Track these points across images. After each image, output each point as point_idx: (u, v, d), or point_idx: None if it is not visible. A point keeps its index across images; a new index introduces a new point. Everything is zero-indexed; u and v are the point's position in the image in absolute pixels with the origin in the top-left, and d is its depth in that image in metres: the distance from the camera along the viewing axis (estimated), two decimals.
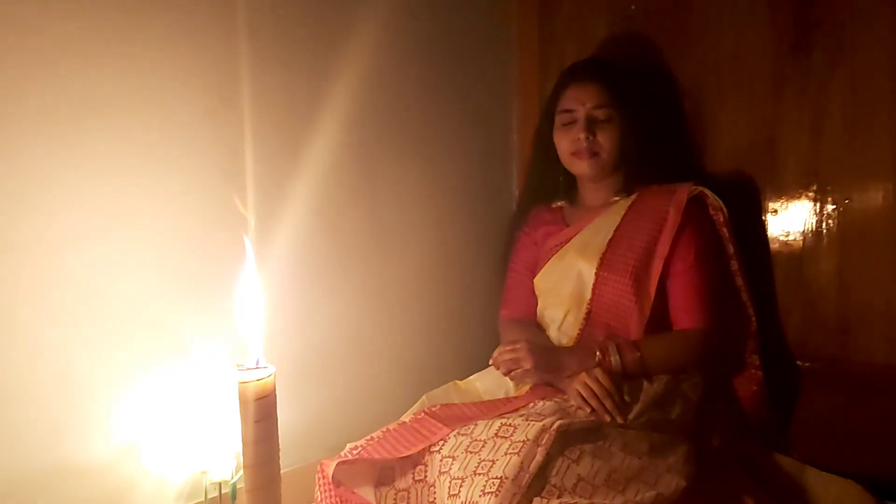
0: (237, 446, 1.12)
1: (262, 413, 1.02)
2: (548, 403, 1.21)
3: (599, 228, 1.41)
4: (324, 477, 1.15)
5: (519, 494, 1.00)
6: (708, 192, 1.39)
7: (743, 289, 1.40)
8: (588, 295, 1.37)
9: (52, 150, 1.09)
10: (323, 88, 1.44)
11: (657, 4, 1.62)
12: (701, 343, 1.32)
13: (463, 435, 1.12)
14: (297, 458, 1.35)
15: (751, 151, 1.49)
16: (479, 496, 1.00)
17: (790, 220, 1.45)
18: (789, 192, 1.45)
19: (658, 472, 1.09)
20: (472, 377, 1.44)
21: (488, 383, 1.40)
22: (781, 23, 1.43)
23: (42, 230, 1.09)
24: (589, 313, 1.37)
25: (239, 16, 1.30)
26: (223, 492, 1.26)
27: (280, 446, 1.07)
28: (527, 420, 1.10)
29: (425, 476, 1.13)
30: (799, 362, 1.45)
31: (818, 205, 1.41)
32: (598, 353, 1.26)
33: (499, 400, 1.30)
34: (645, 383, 1.25)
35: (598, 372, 1.22)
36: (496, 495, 0.98)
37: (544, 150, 1.51)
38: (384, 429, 1.21)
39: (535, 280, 1.49)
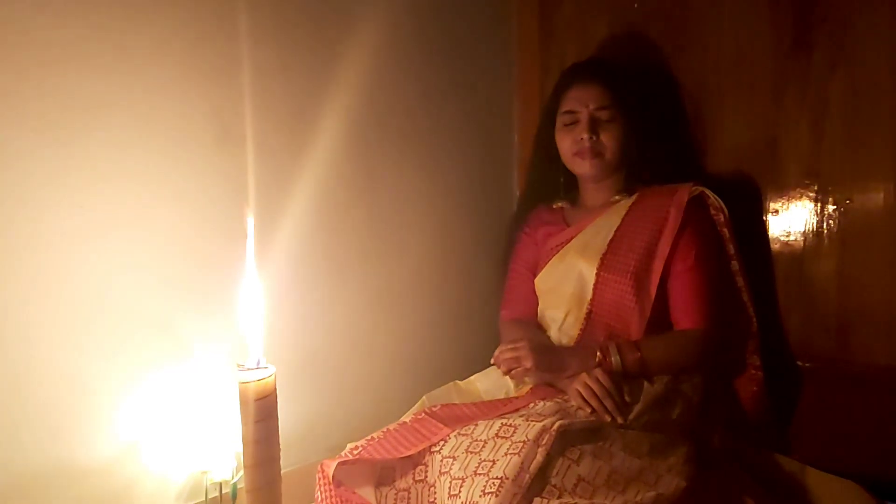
0: (238, 446, 1.12)
1: (262, 413, 1.02)
2: (548, 404, 1.21)
3: (600, 229, 1.41)
4: (324, 477, 1.15)
5: (519, 495, 1.00)
6: (709, 192, 1.39)
7: (743, 289, 1.40)
8: (589, 295, 1.37)
9: (52, 152, 1.09)
10: (323, 89, 1.44)
11: (658, 4, 1.62)
12: (701, 343, 1.32)
13: (463, 435, 1.12)
14: (298, 458, 1.35)
15: (751, 151, 1.49)
16: (480, 496, 0.99)
17: (791, 220, 1.45)
18: (790, 192, 1.45)
19: (658, 473, 1.09)
20: (472, 377, 1.44)
21: (488, 383, 1.40)
22: (782, 23, 1.43)
23: (43, 231, 1.09)
24: (589, 314, 1.37)
25: (240, 17, 1.30)
26: (224, 492, 1.26)
27: (280, 446, 1.07)
28: (527, 420, 1.10)
29: (426, 476, 1.13)
30: (799, 362, 1.45)
31: (819, 205, 1.41)
32: (598, 354, 1.26)
33: (499, 400, 1.30)
34: (645, 384, 1.25)
35: (598, 372, 1.22)
36: (496, 495, 0.98)
37: (545, 150, 1.51)
38: (384, 429, 1.21)
39: (536, 280, 1.49)
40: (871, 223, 1.35)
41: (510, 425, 1.09)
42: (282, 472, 1.08)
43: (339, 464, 1.12)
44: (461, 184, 1.75)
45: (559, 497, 1.01)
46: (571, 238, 1.45)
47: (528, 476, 1.01)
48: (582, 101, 1.40)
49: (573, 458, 1.05)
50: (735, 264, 1.40)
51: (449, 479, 1.06)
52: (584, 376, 1.21)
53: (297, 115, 1.41)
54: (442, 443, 1.12)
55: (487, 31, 1.82)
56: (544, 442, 1.04)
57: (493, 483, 1.00)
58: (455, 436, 1.12)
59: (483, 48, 1.80)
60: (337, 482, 1.14)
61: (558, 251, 1.46)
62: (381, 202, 1.57)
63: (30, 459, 1.09)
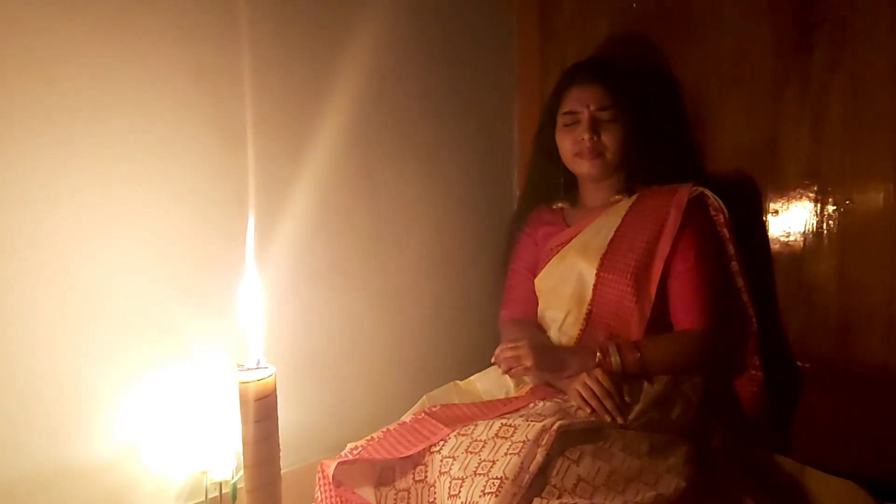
0: (238, 446, 1.12)
1: (262, 413, 1.02)
2: (548, 404, 1.21)
3: (600, 229, 1.41)
4: (324, 477, 1.15)
5: (519, 495, 1.00)
6: (708, 192, 1.39)
7: (743, 289, 1.40)
8: (588, 295, 1.37)
9: (52, 152, 1.09)
10: (323, 89, 1.44)
11: (658, 4, 1.62)
12: (701, 343, 1.32)
13: (463, 435, 1.12)
14: (298, 458, 1.35)
15: (751, 152, 1.49)
16: (480, 496, 1.00)
17: (791, 220, 1.45)
18: (790, 192, 1.45)
19: (658, 473, 1.09)
20: (472, 377, 1.45)
21: (488, 383, 1.41)
22: (782, 23, 1.42)
23: (43, 231, 1.09)
24: (589, 314, 1.37)
25: (240, 17, 1.30)
26: (223, 492, 1.26)
27: (280, 446, 1.07)
28: (527, 420, 1.10)
29: (425, 476, 1.13)
30: (799, 363, 1.45)
31: (819, 205, 1.41)
32: (598, 354, 1.26)
33: (499, 400, 1.30)
34: (645, 384, 1.25)
35: (598, 372, 1.22)
36: (496, 495, 0.98)
37: (545, 150, 1.51)
38: (384, 429, 1.21)
39: (536, 280, 1.49)
40: (871, 223, 1.35)
41: (510, 425, 1.09)
42: (282, 472, 1.08)
43: (338, 464, 1.13)
44: (461, 184, 1.75)
45: (559, 497, 1.01)
46: (571, 238, 1.45)
47: (527, 476, 1.01)
48: (583, 102, 1.40)
49: (573, 458, 1.05)
50: (735, 264, 1.40)
51: (449, 479, 1.06)
52: (583, 376, 1.21)
53: (297, 115, 1.41)
54: (442, 443, 1.12)
55: (488, 31, 1.82)
56: (544, 442, 1.04)
57: (493, 483, 1.00)
58: (455, 436, 1.12)
59: (483, 48, 1.80)
60: (337, 482, 1.14)
61: (558, 251, 1.46)
62: (381, 202, 1.57)
63: (30, 459, 1.09)
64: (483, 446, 1.07)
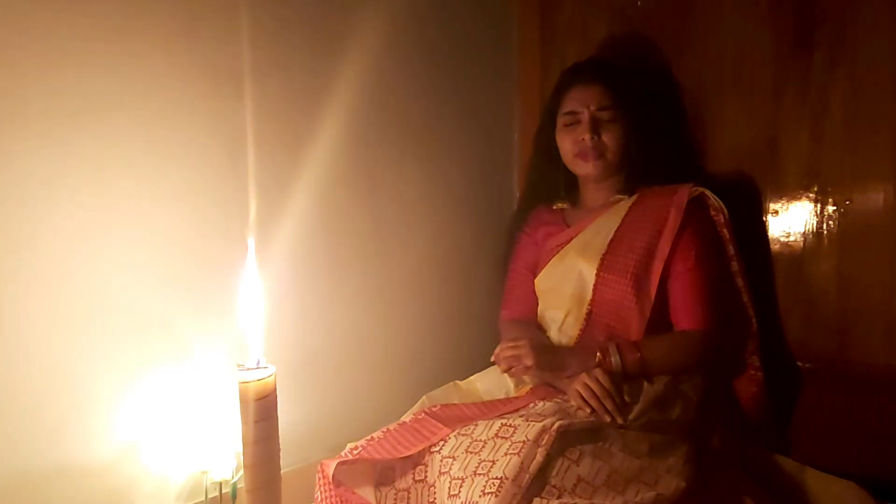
0: (237, 446, 1.12)
1: (262, 413, 1.02)
2: (548, 404, 1.21)
3: (600, 229, 1.41)
4: (324, 477, 1.15)
5: (519, 495, 1.00)
6: (709, 192, 1.39)
7: (743, 290, 1.40)
8: (589, 295, 1.37)
9: (52, 151, 1.09)
10: (324, 89, 1.44)
11: (658, 4, 1.61)
12: (701, 344, 1.32)
13: (463, 435, 1.12)
14: (298, 458, 1.35)
15: (751, 152, 1.49)
16: (480, 496, 1.00)
17: (791, 220, 1.45)
18: (790, 192, 1.45)
19: (658, 473, 1.09)
20: (472, 377, 1.44)
21: (488, 383, 1.41)
22: (782, 23, 1.43)
23: (43, 230, 1.09)
24: (589, 314, 1.37)
25: (240, 17, 1.30)
26: (223, 492, 1.26)
27: (280, 446, 1.07)
28: (527, 420, 1.10)
29: (425, 476, 1.13)
30: (799, 363, 1.45)
31: (819, 206, 1.41)
32: (598, 354, 1.26)
33: (499, 400, 1.30)
34: (645, 384, 1.25)
35: (598, 372, 1.22)
36: (496, 496, 0.98)
37: (545, 150, 1.50)
38: (384, 429, 1.21)
39: (536, 280, 1.49)
40: (870, 223, 1.35)
41: (510, 425, 1.09)
42: (281, 471, 1.08)
43: (338, 464, 1.12)
44: (461, 184, 1.75)
45: (559, 497, 1.01)
46: (571, 238, 1.45)
47: (527, 476, 1.01)
48: (583, 102, 1.40)
49: (573, 458, 1.05)
50: (735, 265, 1.40)
51: (449, 479, 1.06)
52: (583, 376, 1.21)
53: (298, 115, 1.41)
54: (442, 443, 1.12)
55: (488, 31, 1.82)
56: (544, 442, 1.04)
57: (493, 483, 1.00)
58: (455, 436, 1.12)
59: (483, 48, 1.80)
60: (337, 482, 1.14)
61: (558, 251, 1.46)
62: (381, 202, 1.57)
63: (29, 459, 1.09)
64: (483, 446, 1.07)
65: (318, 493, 1.16)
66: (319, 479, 1.16)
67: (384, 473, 1.16)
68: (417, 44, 1.63)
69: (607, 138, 1.39)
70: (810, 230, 1.42)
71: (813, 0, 1.39)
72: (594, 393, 1.18)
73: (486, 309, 1.69)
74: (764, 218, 1.48)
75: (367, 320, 1.56)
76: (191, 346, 1.26)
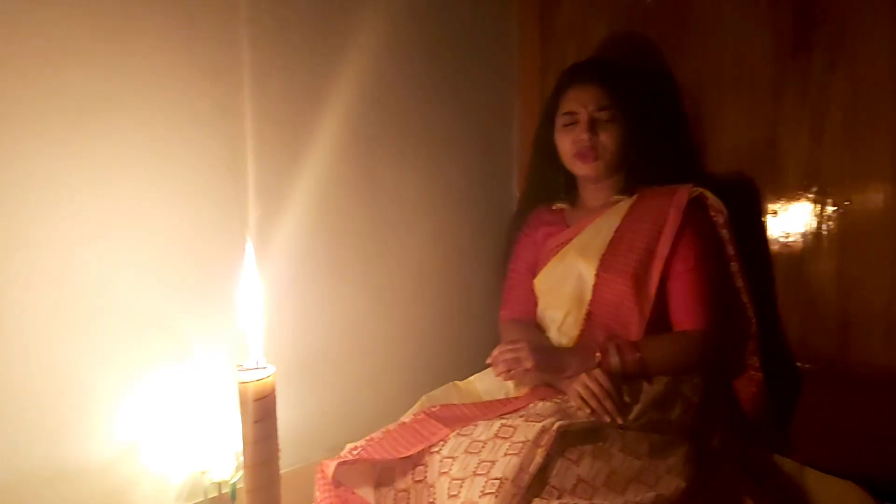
0: (237, 446, 1.12)
1: (261, 413, 1.02)
2: (548, 404, 1.21)
3: (600, 229, 1.41)
4: (324, 477, 1.15)
5: (519, 495, 1.00)
6: (708, 193, 1.39)
7: (743, 290, 1.40)
8: (588, 296, 1.37)
9: (52, 151, 1.09)
10: (323, 89, 1.44)
11: (658, 4, 1.61)
12: (701, 344, 1.32)
13: (463, 436, 1.12)
14: (297, 459, 1.35)
15: (751, 152, 1.49)
16: (479, 497, 1.00)
17: (790, 221, 1.45)
18: (789, 193, 1.45)
19: (658, 474, 1.09)
20: (472, 377, 1.45)
21: (488, 384, 1.40)
22: (782, 23, 1.42)
23: (43, 231, 1.09)
24: (589, 314, 1.37)
25: (240, 17, 1.30)
26: (223, 492, 1.26)
27: (280, 446, 1.07)
28: (527, 421, 1.10)
29: (425, 476, 1.13)
30: (799, 363, 1.45)
31: (818, 206, 1.41)
32: (598, 354, 1.26)
33: (499, 401, 1.30)
34: (645, 384, 1.25)
35: (597, 373, 1.21)
36: (496, 496, 0.98)
37: (545, 151, 1.50)
38: (384, 429, 1.21)
39: (536, 281, 1.49)
40: (870, 224, 1.35)
41: (510, 426, 1.09)
42: (281, 472, 1.07)
43: (338, 464, 1.13)
44: (461, 184, 1.75)
45: (558, 498, 1.01)
46: (571, 238, 1.45)
47: (527, 476, 1.01)
48: (581, 102, 1.40)
49: (573, 458, 1.05)
50: (735, 265, 1.40)
51: (448, 480, 1.06)
52: (583, 377, 1.21)
53: (298, 114, 1.41)
54: (441, 443, 1.12)
55: (488, 31, 1.82)
56: (544, 442, 1.04)
57: (493, 483, 1.00)
58: (455, 436, 1.12)
59: (483, 48, 1.80)
60: (336, 482, 1.14)
61: (558, 251, 1.46)
62: (381, 202, 1.57)
63: (29, 459, 1.09)
64: (483, 447, 1.07)
65: (318, 493, 1.16)
66: (319, 479, 1.16)
67: (384, 474, 1.16)
68: (417, 44, 1.63)
69: (605, 138, 1.39)
70: (810, 230, 1.42)
71: (813, 0, 1.39)
72: (594, 393, 1.18)
73: (485, 309, 1.69)
74: (763, 218, 1.48)
75: (367, 320, 1.56)
76: (191, 346, 1.26)
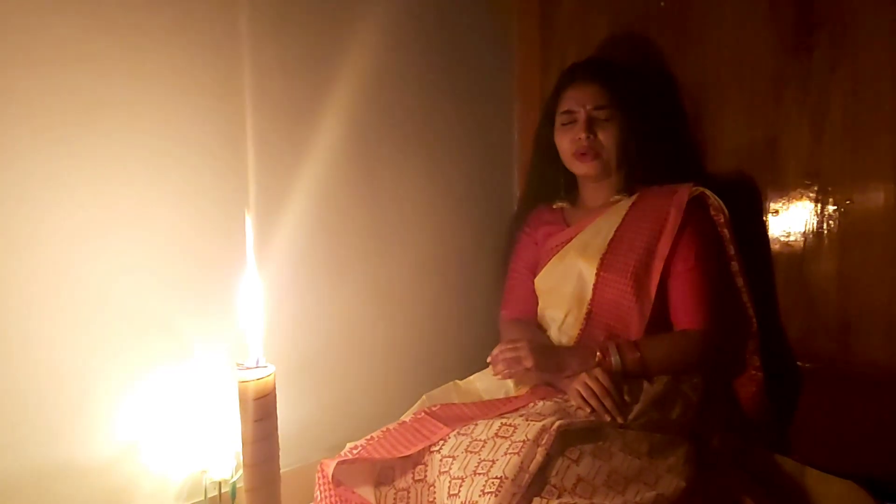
0: (237, 445, 1.12)
1: (261, 412, 1.02)
2: (548, 403, 1.21)
3: (600, 229, 1.41)
4: (324, 476, 1.15)
5: (519, 494, 1.00)
6: (709, 192, 1.39)
7: (743, 289, 1.40)
8: (588, 295, 1.37)
9: (52, 151, 1.09)
10: (323, 89, 1.44)
11: (658, 5, 1.61)
12: (701, 344, 1.32)
13: (463, 435, 1.12)
14: (297, 458, 1.35)
15: (751, 152, 1.49)
16: (479, 496, 0.99)
17: (791, 220, 1.45)
18: (790, 192, 1.45)
19: (658, 473, 1.09)
20: (472, 377, 1.44)
21: (488, 383, 1.40)
22: (782, 23, 1.42)
23: (43, 231, 1.09)
24: (589, 313, 1.37)
25: (240, 17, 1.30)
26: (223, 491, 1.26)
27: (280, 446, 1.07)
28: (527, 420, 1.10)
29: (425, 476, 1.13)
30: (799, 363, 1.45)
31: (819, 205, 1.41)
32: (598, 353, 1.26)
33: (499, 400, 1.30)
34: (645, 383, 1.25)
35: (598, 372, 1.21)
36: (496, 495, 0.98)
37: (545, 150, 1.51)
38: (384, 428, 1.21)
39: (536, 280, 1.49)
40: (871, 223, 1.34)
41: (510, 425, 1.09)
42: (281, 471, 1.07)
43: (338, 463, 1.12)
44: (461, 184, 1.75)
45: (559, 497, 1.01)
46: (571, 238, 1.45)
47: (527, 476, 1.01)
48: (579, 101, 1.40)
49: (573, 457, 1.05)
50: (735, 265, 1.40)
51: (448, 479, 1.06)
52: (583, 376, 1.21)
53: (297, 114, 1.41)
54: (441, 442, 1.12)
55: (488, 31, 1.82)
56: (544, 442, 1.04)
57: (493, 483, 1.00)
58: (455, 435, 1.12)
59: (483, 48, 1.80)
60: (336, 481, 1.14)
61: (558, 251, 1.46)
62: (381, 202, 1.57)
63: (29, 459, 1.09)
64: (483, 446, 1.07)
65: (318, 492, 1.16)
66: (319, 478, 1.16)
67: (384, 473, 1.16)
68: (418, 43, 1.63)
69: (604, 137, 1.39)
70: (810, 230, 1.42)
71: (813, 0, 1.38)
72: (594, 392, 1.18)
73: (486, 309, 1.69)
74: (764, 218, 1.48)
75: (367, 320, 1.56)
76: (190, 345, 1.26)
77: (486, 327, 1.66)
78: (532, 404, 1.22)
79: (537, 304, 1.49)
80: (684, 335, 1.33)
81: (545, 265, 1.47)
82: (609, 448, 1.09)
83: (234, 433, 1.17)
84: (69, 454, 1.13)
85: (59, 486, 1.12)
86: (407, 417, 1.25)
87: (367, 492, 1.15)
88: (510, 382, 1.36)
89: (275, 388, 1.05)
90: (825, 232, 1.41)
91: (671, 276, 1.35)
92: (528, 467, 1.01)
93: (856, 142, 1.35)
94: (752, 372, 1.41)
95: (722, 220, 1.39)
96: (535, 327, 1.48)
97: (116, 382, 1.18)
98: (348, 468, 1.14)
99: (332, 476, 1.13)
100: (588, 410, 1.18)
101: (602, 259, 1.37)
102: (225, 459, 1.26)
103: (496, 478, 1.00)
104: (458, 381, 1.43)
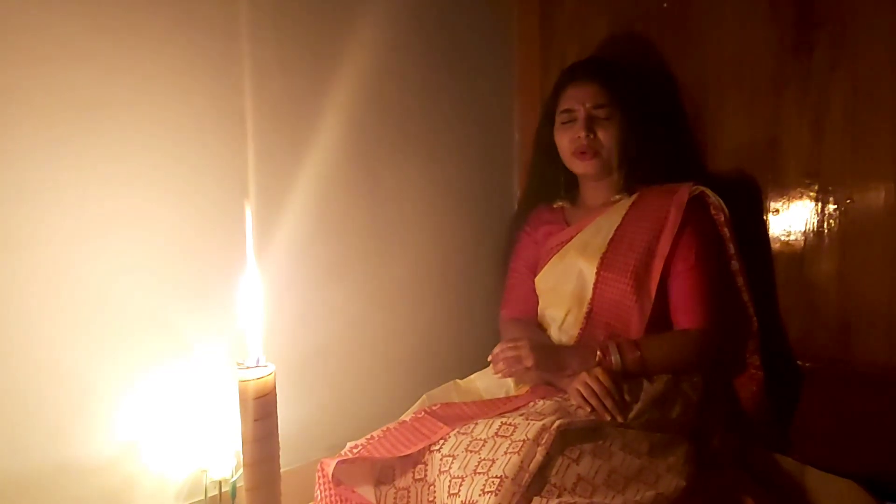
0: (237, 445, 1.12)
1: (261, 411, 1.02)
2: (548, 402, 1.21)
3: (600, 228, 1.41)
4: (324, 476, 1.15)
5: (519, 494, 1.00)
6: (709, 191, 1.39)
7: (744, 289, 1.40)
8: (589, 294, 1.37)
9: (52, 151, 1.09)
10: (324, 89, 1.44)
11: (658, 5, 1.61)
12: (701, 343, 1.32)
13: (463, 434, 1.12)
14: (297, 457, 1.35)
15: (752, 151, 1.49)
16: (479, 495, 1.00)
17: (791, 220, 1.45)
18: (790, 191, 1.45)
19: (658, 472, 1.09)
20: (472, 376, 1.45)
21: (488, 382, 1.40)
22: (783, 22, 1.42)
23: (43, 230, 1.09)
24: (590, 313, 1.37)
25: (240, 17, 1.30)
26: (223, 490, 1.26)
27: (280, 445, 1.07)
28: (527, 419, 1.10)
29: (425, 475, 1.13)
30: (799, 362, 1.45)
31: (819, 205, 1.41)
32: (598, 353, 1.26)
33: (499, 399, 1.30)
34: (645, 383, 1.25)
35: (598, 371, 1.21)
36: (496, 494, 0.98)
37: (545, 149, 1.51)
38: (384, 428, 1.21)
39: (536, 280, 1.49)
40: (871, 223, 1.34)
41: (510, 424, 1.09)
42: (281, 470, 1.07)
43: (338, 462, 1.12)
44: (461, 183, 1.75)
45: (559, 496, 1.01)
46: (572, 237, 1.45)
47: (527, 475, 1.01)
48: (579, 100, 1.40)
49: (573, 457, 1.05)
50: (735, 264, 1.40)
51: (448, 478, 1.06)
52: (583, 375, 1.21)
53: (298, 114, 1.41)
54: (442, 441, 1.12)
55: (488, 30, 1.82)
56: (544, 441, 1.04)
57: (493, 482, 1.00)
58: (455, 434, 1.12)
59: (483, 48, 1.80)
60: (336, 481, 1.14)
61: (558, 250, 1.46)
62: (381, 201, 1.57)
63: (29, 459, 1.09)
64: (483, 445, 1.07)
65: (318, 491, 1.16)
66: (319, 477, 1.16)
67: (384, 472, 1.16)
68: (418, 43, 1.63)
69: (603, 136, 1.39)
70: (811, 229, 1.42)
71: (813, 0, 1.38)
72: (594, 392, 1.18)
73: (486, 308, 1.69)
74: (764, 217, 1.48)
75: (367, 319, 1.56)
76: (190, 345, 1.26)
77: (486, 327, 1.66)
78: (532, 403, 1.22)
79: (537, 303, 1.49)
80: (684, 334, 1.33)
81: (545, 264, 1.47)
82: (609, 447, 1.09)
83: (234, 432, 1.17)
84: (69, 454, 1.13)
85: (59, 486, 1.12)
86: (407, 417, 1.25)
87: (367, 491, 1.15)
88: (510, 381, 1.36)
89: (275, 388, 1.05)
90: (825, 231, 1.41)
91: (671, 276, 1.35)
92: (528, 466, 1.01)
93: (856, 141, 1.35)
94: (753, 371, 1.41)
95: (722, 220, 1.39)
96: (535, 327, 1.48)
97: (116, 382, 1.18)
98: (348, 467, 1.14)
99: (333, 475, 1.13)
100: (588, 410, 1.18)
101: (602, 258, 1.37)
102: (225, 459, 1.26)
103: (496, 477, 1.00)
104: (458, 380, 1.44)
